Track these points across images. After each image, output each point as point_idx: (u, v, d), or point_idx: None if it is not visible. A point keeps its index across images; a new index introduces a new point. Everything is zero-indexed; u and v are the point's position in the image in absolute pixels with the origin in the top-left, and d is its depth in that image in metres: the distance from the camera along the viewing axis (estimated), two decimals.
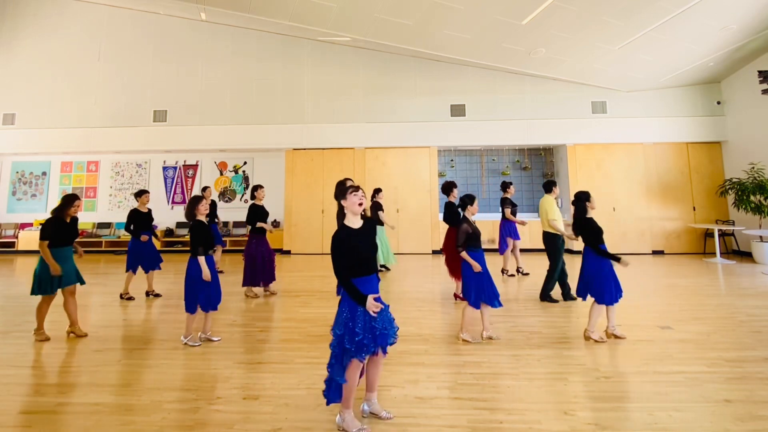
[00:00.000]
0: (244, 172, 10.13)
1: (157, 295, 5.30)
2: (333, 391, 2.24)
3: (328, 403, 2.27)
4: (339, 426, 2.25)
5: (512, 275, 6.37)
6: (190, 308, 3.54)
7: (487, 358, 3.22)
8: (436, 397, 2.61)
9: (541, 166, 9.78)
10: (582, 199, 3.75)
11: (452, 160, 9.94)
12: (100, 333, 3.94)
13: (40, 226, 9.61)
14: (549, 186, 5.13)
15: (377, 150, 9.16)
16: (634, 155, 8.76)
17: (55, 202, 10.03)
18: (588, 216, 3.72)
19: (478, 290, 3.50)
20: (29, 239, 9.49)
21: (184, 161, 10.18)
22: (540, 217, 5.07)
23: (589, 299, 3.66)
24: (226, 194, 10.06)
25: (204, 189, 6.76)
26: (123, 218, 9.70)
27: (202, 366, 3.13)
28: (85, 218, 9.95)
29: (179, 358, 3.30)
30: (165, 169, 10.19)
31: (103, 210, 10.09)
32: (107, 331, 3.98)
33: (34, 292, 3.70)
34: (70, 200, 3.83)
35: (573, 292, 4.66)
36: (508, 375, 2.92)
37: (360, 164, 9.12)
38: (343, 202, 2.36)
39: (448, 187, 5.10)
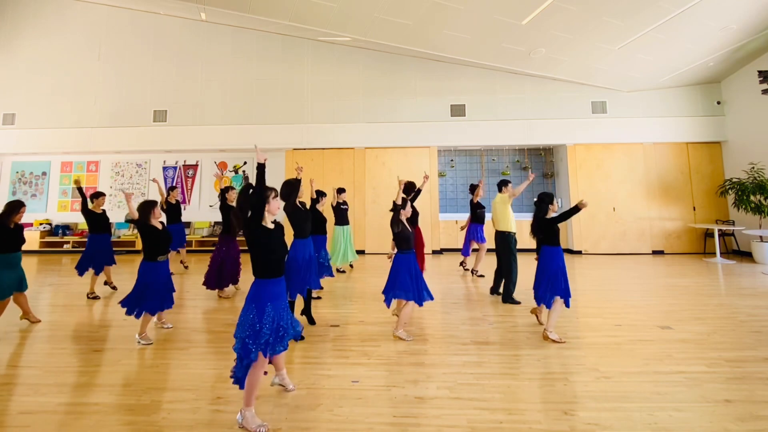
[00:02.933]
0: (244, 172, 10.13)
1: (96, 297, 5.23)
2: (241, 375, 2.27)
3: (241, 386, 2.28)
4: (239, 424, 2.27)
5: (481, 275, 6.30)
6: (129, 311, 3.54)
7: (487, 358, 3.22)
8: (436, 397, 2.61)
9: (541, 166, 9.78)
10: (545, 201, 3.75)
11: (452, 160, 9.94)
12: (100, 333, 3.94)
13: (41, 226, 9.68)
14: (501, 185, 5.16)
15: (377, 150, 9.16)
16: (634, 155, 8.76)
17: (55, 202, 10.09)
18: (550, 217, 3.70)
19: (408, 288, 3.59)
20: (29, 239, 9.46)
21: (184, 161, 10.18)
22: (493, 217, 5.04)
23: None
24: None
25: (171, 189, 6.74)
26: (123, 218, 9.70)
27: (202, 366, 3.13)
28: None
29: (179, 358, 3.30)
30: (165, 169, 10.19)
31: None
32: (107, 332, 3.98)
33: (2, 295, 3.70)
34: (15, 207, 3.80)
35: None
36: (508, 375, 2.92)
37: (360, 164, 9.12)
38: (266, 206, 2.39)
39: (409, 188, 5.07)
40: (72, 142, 9.33)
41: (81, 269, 5.15)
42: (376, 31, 7.49)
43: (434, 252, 8.83)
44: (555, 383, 2.79)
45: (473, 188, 6.36)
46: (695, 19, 6.14)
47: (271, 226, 2.42)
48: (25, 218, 9.96)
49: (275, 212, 2.42)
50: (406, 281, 3.58)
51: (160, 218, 3.73)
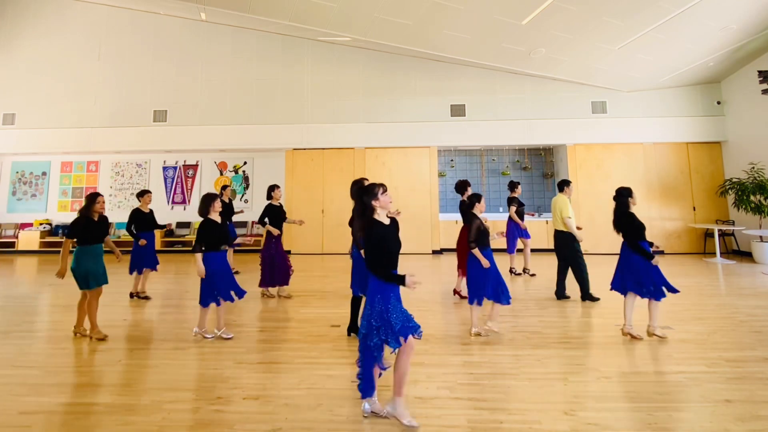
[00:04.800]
0: (244, 172, 10.13)
1: (146, 298, 5.17)
2: (366, 384, 2.33)
3: (363, 397, 2.34)
4: (389, 412, 2.31)
5: (519, 274, 6.38)
6: (203, 302, 3.67)
7: (487, 358, 3.22)
8: (436, 397, 2.61)
9: (541, 166, 9.78)
10: (624, 195, 3.73)
11: (452, 160, 9.94)
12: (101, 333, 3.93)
13: (41, 226, 9.67)
14: (563, 185, 5.16)
15: (377, 150, 9.16)
16: (634, 155, 8.76)
17: (55, 202, 10.08)
18: (630, 211, 3.68)
19: (482, 287, 3.59)
20: (29, 239, 9.49)
21: (184, 161, 10.18)
22: (553, 216, 5.10)
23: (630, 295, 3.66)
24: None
25: (224, 188, 6.69)
26: (123, 218, 9.68)
27: (202, 366, 3.13)
28: None
29: (180, 358, 3.30)
30: (165, 169, 10.19)
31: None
32: (107, 331, 3.97)
33: (89, 286, 3.71)
34: (92, 198, 3.83)
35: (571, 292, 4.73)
36: (508, 375, 2.92)
37: (360, 164, 9.12)
38: (375, 202, 2.42)
39: (462, 186, 5.11)
40: (72, 142, 9.32)
41: (137, 269, 5.13)
42: (376, 31, 7.49)
43: (434, 252, 8.83)
44: (555, 383, 2.79)
45: (513, 185, 6.39)
46: (695, 19, 6.13)
47: (387, 221, 2.45)
48: (24, 218, 9.99)
49: (387, 207, 2.46)
50: (490, 279, 3.59)
51: (219, 211, 3.81)
